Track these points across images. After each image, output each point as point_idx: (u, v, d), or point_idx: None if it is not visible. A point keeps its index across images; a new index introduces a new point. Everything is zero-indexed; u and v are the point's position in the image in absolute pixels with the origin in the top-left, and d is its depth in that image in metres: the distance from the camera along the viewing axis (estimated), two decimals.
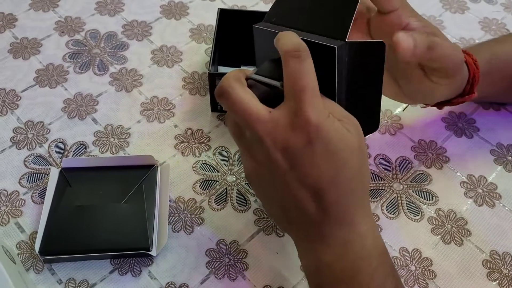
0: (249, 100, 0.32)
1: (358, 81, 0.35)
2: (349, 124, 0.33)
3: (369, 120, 0.36)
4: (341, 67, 0.34)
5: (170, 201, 0.46)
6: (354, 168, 0.32)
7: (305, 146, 0.31)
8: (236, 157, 0.49)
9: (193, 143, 0.50)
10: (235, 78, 0.33)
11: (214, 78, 0.49)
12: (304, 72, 0.31)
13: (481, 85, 0.46)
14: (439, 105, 0.47)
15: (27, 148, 0.49)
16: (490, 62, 0.47)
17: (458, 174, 0.49)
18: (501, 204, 0.47)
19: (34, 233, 0.43)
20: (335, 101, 0.34)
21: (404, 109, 0.53)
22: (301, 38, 0.32)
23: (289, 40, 0.32)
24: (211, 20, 0.62)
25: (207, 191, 0.47)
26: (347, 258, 0.33)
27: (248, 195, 0.47)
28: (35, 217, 0.44)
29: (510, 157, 0.50)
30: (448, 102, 0.47)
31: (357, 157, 0.32)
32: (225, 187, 0.47)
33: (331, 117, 0.31)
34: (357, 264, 0.33)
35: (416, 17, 0.40)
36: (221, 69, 0.56)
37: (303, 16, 0.36)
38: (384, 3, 0.39)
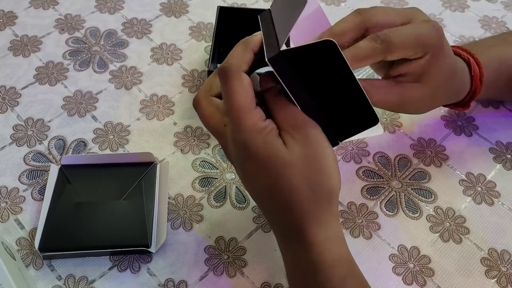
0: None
1: (326, 82, 0.33)
2: (296, 135, 0.33)
3: (365, 115, 0.35)
4: (286, 76, 0.32)
5: (169, 198, 0.46)
6: (291, 181, 0.32)
7: (242, 163, 0.34)
8: None
9: (193, 140, 0.50)
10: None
11: None
12: (231, 91, 0.32)
13: (485, 90, 0.46)
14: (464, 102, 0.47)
15: (27, 145, 0.49)
16: (499, 71, 0.47)
17: (457, 172, 0.49)
18: (500, 202, 0.47)
19: (34, 229, 0.43)
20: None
21: None
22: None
23: (228, 56, 0.33)
24: (211, 18, 0.62)
25: (206, 188, 0.47)
26: (298, 269, 0.34)
27: (247, 193, 0.47)
28: (34, 214, 0.44)
29: (509, 155, 0.50)
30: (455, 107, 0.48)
31: (295, 169, 0.32)
32: (224, 184, 0.47)
33: (263, 133, 0.32)
34: (306, 278, 0.34)
35: (378, 13, 0.39)
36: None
37: (282, 15, 0.34)
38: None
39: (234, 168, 0.38)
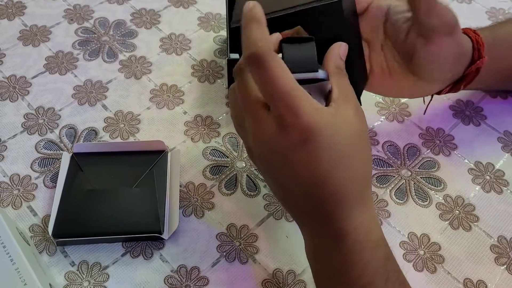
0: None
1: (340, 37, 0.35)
2: (347, 108, 0.32)
3: (359, 71, 0.36)
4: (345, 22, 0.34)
5: (180, 186, 0.46)
6: (349, 162, 0.32)
7: (296, 146, 0.31)
8: None
9: (203, 129, 0.51)
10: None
11: (233, 65, 0.48)
12: (274, 77, 0.29)
13: (485, 74, 0.45)
14: (456, 87, 0.45)
15: (38, 134, 0.49)
16: (495, 45, 0.45)
17: (466, 161, 0.49)
18: (508, 191, 0.47)
19: (47, 216, 0.44)
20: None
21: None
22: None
23: (249, 42, 0.30)
24: (219, 8, 0.62)
25: (217, 176, 0.47)
26: (340, 251, 0.33)
27: (258, 181, 0.47)
28: (47, 201, 0.45)
29: None
30: (462, 80, 0.44)
31: (353, 147, 0.32)
32: (234, 172, 0.48)
33: (321, 111, 0.31)
34: (348, 258, 0.32)
35: None
36: (232, 56, 0.56)
37: None
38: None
39: (260, 162, 0.34)
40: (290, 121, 0.30)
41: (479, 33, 0.44)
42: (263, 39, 0.29)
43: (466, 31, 0.44)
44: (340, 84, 0.34)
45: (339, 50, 0.35)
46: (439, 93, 0.46)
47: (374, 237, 0.33)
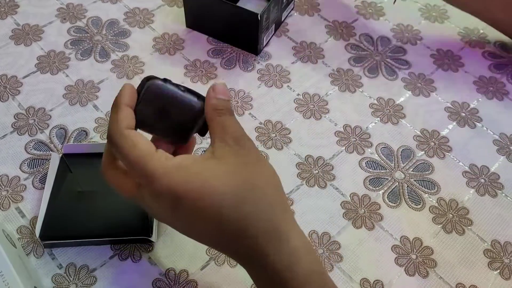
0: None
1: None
2: (235, 145, 0.31)
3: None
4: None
5: None
6: (237, 201, 0.30)
7: (174, 211, 0.31)
8: None
9: None
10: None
11: None
12: (123, 151, 0.31)
13: None
14: None
15: (28, 134, 0.49)
16: None
17: (461, 163, 0.49)
18: (503, 194, 0.47)
19: (35, 218, 0.43)
20: None
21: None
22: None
23: (108, 125, 0.33)
24: None
25: None
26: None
27: None
28: (35, 202, 0.44)
29: None
30: None
31: (234, 195, 0.30)
32: None
33: (183, 167, 0.30)
34: None
35: None
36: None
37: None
38: None
39: (168, 225, 0.35)
40: (151, 190, 0.31)
41: None
42: (115, 120, 0.32)
43: None
44: (215, 126, 0.32)
45: (213, 92, 0.33)
46: None
47: (302, 271, 0.30)
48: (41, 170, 0.46)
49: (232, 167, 0.30)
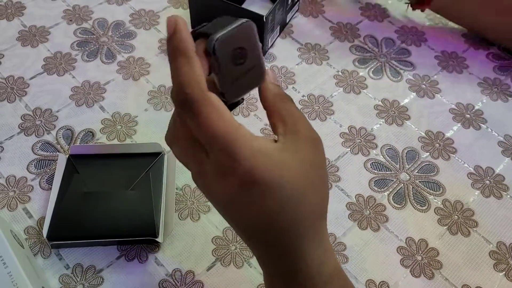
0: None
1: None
2: (296, 140, 0.29)
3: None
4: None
5: (176, 188, 0.46)
6: (301, 198, 0.29)
7: (237, 192, 0.28)
8: None
9: None
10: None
11: None
12: (208, 123, 0.27)
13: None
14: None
15: (35, 135, 0.49)
16: None
17: (465, 165, 0.49)
18: (508, 196, 0.47)
19: (42, 218, 0.43)
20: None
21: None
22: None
23: (178, 82, 0.27)
24: None
25: None
26: (293, 285, 0.31)
27: None
28: (42, 203, 0.45)
29: None
30: None
31: (304, 182, 0.29)
32: None
33: (263, 152, 0.28)
34: None
35: None
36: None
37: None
38: None
39: (217, 205, 0.32)
40: (228, 167, 0.27)
41: None
42: (193, 81, 0.27)
43: None
44: (284, 115, 0.31)
45: (270, 78, 0.31)
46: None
47: (327, 272, 0.31)
48: (48, 171, 0.47)
49: (304, 164, 0.29)
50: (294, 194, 0.29)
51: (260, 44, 0.30)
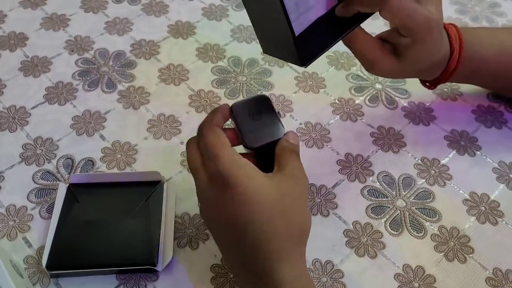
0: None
1: None
2: (281, 169, 0.37)
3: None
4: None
5: (176, 216, 0.46)
6: (269, 215, 0.34)
7: (218, 195, 0.36)
8: None
9: None
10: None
11: None
12: (206, 139, 0.37)
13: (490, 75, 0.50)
14: (428, 83, 0.52)
15: (36, 164, 0.50)
16: (500, 52, 0.49)
17: (461, 191, 0.49)
18: (504, 222, 0.47)
19: (42, 248, 0.44)
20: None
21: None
22: None
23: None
24: (218, 39, 0.63)
25: None
26: None
27: None
28: (42, 232, 0.45)
29: None
30: (438, 81, 0.50)
31: (275, 203, 0.35)
32: None
33: (243, 165, 0.36)
34: None
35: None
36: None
37: None
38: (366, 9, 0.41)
39: (203, 218, 0.40)
40: (212, 170, 0.36)
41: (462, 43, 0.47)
42: (209, 116, 0.39)
43: (446, 27, 0.47)
44: (281, 160, 0.38)
45: (288, 137, 0.40)
46: (428, 86, 0.53)
47: None
48: (48, 200, 0.47)
49: (281, 192, 0.36)
50: (264, 213, 0.34)
51: (276, 111, 0.41)
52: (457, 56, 0.47)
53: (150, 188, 0.47)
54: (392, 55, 0.44)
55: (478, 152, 0.53)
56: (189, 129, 0.54)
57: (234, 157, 0.36)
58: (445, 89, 0.59)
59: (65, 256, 0.42)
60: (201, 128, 0.39)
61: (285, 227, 0.35)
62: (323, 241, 0.45)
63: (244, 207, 0.34)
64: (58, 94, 0.56)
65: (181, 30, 0.65)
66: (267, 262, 0.34)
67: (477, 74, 0.51)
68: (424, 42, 0.43)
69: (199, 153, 0.38)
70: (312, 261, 0.44)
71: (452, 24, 0.48)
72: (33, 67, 0.59)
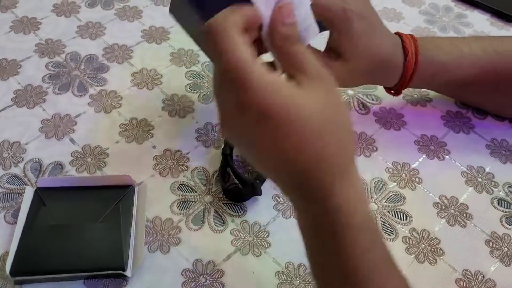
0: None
1: None
2: (316, 83, 0.30)
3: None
4: None
5: (147, 221, 0.46)
6: (318, 138, 0.29)
7: (254, 128, 0.29)
8: (214, 177, 0.50)
9: (172, 163, 0.51)
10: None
11: None
12: (225, 50, 0.29)
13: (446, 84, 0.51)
14: (392, 90, 0.52)
15: (2, 168, 0.48)
16: (459, 58, 0.50)
17: (431, 195, 0.50)
18: (472, 224, 0.48)
19: (6, 253, 0.42)
20: None
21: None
22: None
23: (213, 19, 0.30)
24: (192, 44, 0.63)
25: (185, 211, 0.47)
26: (322, 232, 0.31)
27: (226, 215, 0.47)
28: (7, 238, 0.43)
29: (480, 179, 0.52)
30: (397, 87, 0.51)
31: (322, 119, 0.30)
32: (202, 207, 0.47)
33: (275, 85, 0.29)
34: (333, 241, 0.31)
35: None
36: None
37: None
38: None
39: (237, 143, 0.33)
40: (241, 99, 0.29)
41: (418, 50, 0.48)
42: (221, 15, 0.30)
43: (408, 49, 0.48)
44: (292, 57, 0.32)
45: (281, 16, 0.32)
46: (393, 93, 0.53)
47: (358, 219, 0.31)
48: (14, 204, 0.46)
49: (320, 102, 0.30)
50: (313, 122, 0.29)
51: None
52: (413, 58, 0.48)
53: (120, 192, 0.46)
54: (339, 61, 0.45)
55: (447, 156, 0.54)
56: (162, 133, 0.53)
57: (265, 80, 0.29)
58: (415, 95, 0.60)
59: (30, 261, 0.41)
60: (212, 29, 0.30)
61: (340, 138, 0.31)
62: (296, 244, 0.45)
63: (291, 139, 0.29)
64: (27, 97, 0.55)
65: (155, 35, 0.64)
66: (328, 182, 0.30)
67: (438, 78, 0.52)
68: (348, 32, 0.44)
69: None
70: (285, 264, 0.44)
71: (409, 34, 0.50)
72: (1, 69, 0.58)
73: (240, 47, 0.29)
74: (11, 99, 0.55)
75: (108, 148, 0.51)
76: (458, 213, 0.49)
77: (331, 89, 0.31)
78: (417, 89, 0.60)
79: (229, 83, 0.30)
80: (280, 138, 0.29)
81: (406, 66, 0.49)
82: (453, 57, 0.51)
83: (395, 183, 0.51)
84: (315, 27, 0.35)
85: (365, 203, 0.33)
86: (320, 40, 0.43)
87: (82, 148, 0.51)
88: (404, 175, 0.52)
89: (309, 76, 0.31)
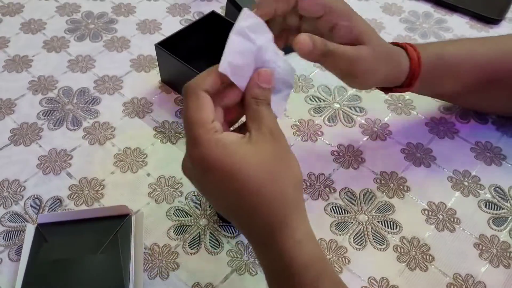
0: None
1: None
2: (261, 131, 0.35)
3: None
4: None
5: (145, 248, 0.47)
6: (258, 184, 0.33)
7: (201, 178, 0.35)
8: None
9: (166, 190, 0.52)
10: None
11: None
12: (186, 107, 0.35)
13: (430, 82, 0.50)
14: (385, 90, 0.51)
15: (3, 207, 0.50)
16: (443, 58, 0.50)
17: (419, 202, 0.52)
18: (461, 228, 0.50)
19: None
20: None
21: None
22: None
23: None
24: None
25: (181, 236, 0.48)
26: (274, 275, 0.36)
27: (221, 237, 0.48)
28: (12, 275, 0.45)
29: (466, 183, 0.53)
30: (389, 90, 0.51)
31: (258, 175, 0.33)
32: (198, 231, 0.49)
33: (221, 142, 0.33)
34: (282, 283, 0.35)
35: (347, 18, 0.42)
36: None
37: None
38: (308, 12, 0.41)
39: (196, 188, 0.38)
40: (191, 153, 0.34)
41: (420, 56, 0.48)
42: (198, 78, 0.35)
43: (411, 56, 0.48)
44: (253, 115, 0.36)
45: (258, 80, 0.37)
46: (385, 91, 0.52)
47: (301, 260, 0.34)
48: (17, 242, 0.48)
49: (263, 155, 0.34)
50: (251, 182, 0.33)
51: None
52: (415, 54, 0.48)
53: (118, 222, 0.47)
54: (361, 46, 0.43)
55: (433, 163, 0.55)
56: (155, 160, 0.55)
57: (214, 138, 0.34)
58: (399, 105, 0.62)
59: None
60: (185, 90, 0.35)
61: (278, 190, 0.34)
62: None
63: (232, 185, 0.33)
64: (23, 135, 0.57)
65: (143, 64, 0.66)
66: (267, 231, 0.34)
67: (445, 69, 0.51)
68: (364, 77, 0.45)
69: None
70: None
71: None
72: None
73: (201, 107, 0.34)
74: (8, 138, 0.57)
75: (104, 180, 0.53)
76: (447, 218, 0.50)
77: (279, 145, 0.35)
78: (401, 98, 0.62)
79: (187, 137, 0.35)
80: (223, 190, 0.34)
81: (410, 57, 0.48)
82: (459, 54, 0.51)
83: (384, 193, 0.52)
84: (283, 108, 0.40)
85: (309, 244, 0.35)
86: None
87: (79, 181, 0.53)
88: (392, 184, 0.53)
89: (261, 131, 0.35)
